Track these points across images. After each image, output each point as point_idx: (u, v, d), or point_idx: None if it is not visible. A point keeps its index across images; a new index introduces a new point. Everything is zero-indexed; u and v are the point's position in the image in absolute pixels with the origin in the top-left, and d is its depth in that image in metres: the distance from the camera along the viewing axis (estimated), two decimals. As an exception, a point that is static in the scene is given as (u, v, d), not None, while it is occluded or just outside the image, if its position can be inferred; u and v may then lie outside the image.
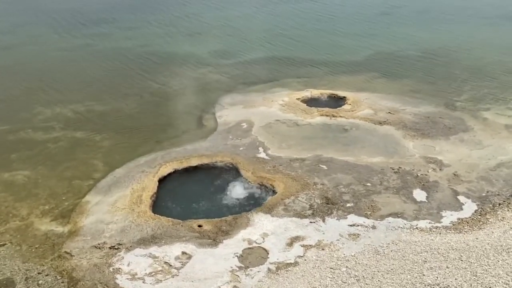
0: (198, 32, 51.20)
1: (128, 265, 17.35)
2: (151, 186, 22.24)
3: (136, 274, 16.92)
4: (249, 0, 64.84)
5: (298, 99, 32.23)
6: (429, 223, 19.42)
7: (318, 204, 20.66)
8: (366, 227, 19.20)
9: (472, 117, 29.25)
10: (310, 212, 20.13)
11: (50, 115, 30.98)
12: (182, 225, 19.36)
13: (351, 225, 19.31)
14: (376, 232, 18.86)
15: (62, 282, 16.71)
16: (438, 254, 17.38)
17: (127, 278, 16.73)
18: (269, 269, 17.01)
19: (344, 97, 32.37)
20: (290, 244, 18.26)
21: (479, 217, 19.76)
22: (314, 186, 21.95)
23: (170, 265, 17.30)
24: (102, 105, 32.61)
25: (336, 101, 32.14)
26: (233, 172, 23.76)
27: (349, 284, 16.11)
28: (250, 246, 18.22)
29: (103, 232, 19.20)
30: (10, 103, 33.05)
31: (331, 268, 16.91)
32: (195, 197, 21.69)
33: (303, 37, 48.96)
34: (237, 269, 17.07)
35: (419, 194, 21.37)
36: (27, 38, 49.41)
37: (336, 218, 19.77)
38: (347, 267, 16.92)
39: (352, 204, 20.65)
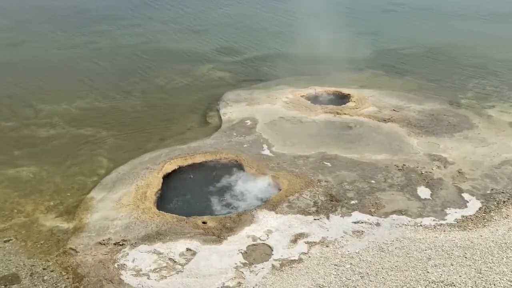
0: (202, 29, 51.22)
1: (133, 261, 17.40)
2: (156, 182, 22.29)
3: (140, 270, 16.97)
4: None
5: (302, 96, 32.24)
6: (434, 220, 19.41)
7: (322, 201, 20.67)
8: (370, 224, 19.20)
9: (477, 115, 29.20)
10: (314, 209, 20.14)
11: (54, 112, 31.06)
12: (186, 222, 19.40)
13: (355, 222, 19.31)
14: (380, 229, 18.86)
15: (67, 278, 16.76)
16: (442, 251, 17.38)
17: (132, 274, 16.78)
18: (273, 266, 17.04)
19: (348, 94, 32.36)
20: (294, 241, 18.28)
21: (483, 214, 19.73)
22: (318, 183, 21.96)
23: (175, 262, 17.34)
24: (106, 102, 32.68)
25: (340, 99, 32.14)
26: (237, 169, 23.75)
27: (353, 281, 16.12)
28: (254, 242, 18.25)
29: (108, 228, 19.25)
30: (14, 100, 33.13)
31: (335, 265, 16.92)
32: (200, 194, 21.71)
33: (307, 34, 48.82)
34: (241, 265, 17.10)
35: (424, 192, 21.35)
36: (30, 35, 49.50)
37: (340, 215, 19.78)
38: (351, 264, 16.94)
39: (356, 201, 20.65)
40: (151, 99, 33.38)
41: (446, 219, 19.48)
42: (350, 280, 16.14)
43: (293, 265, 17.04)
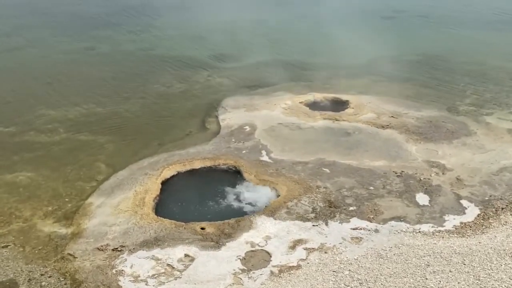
0: (201, 35, 51.32)
1: (131, 267, 17.36)
2: (154, 188, 22.26)
3: (139, 276, 16.93)
4: (252, 5, 64.96)
5: (301, 102, 32.28)
6: (432, 227, 19.41)
7: (321, 207, 20.66)
8: (369, 230, 19.19)
9: (475, 122, 29.27)
10: (313, 215, 20.13)
11: (53, 118, 31.04)
12: (185, 228, 19.38)
13: (353, 229, 19.30)
14: (379, 236, 18.86)
15: (65, 284, 16.72)
16: (441, 258, 17.37)
17: (130, 280, 16.74)
18: (271, 272, 17.01)
19: (347, 100, 32.39)
20: (293, 247, 18.26)
21: (482, 221, 19.74)
22: (317, 190, 21.96)
23: (173, 268, 17.31)
24: (105, 108, 32.67)
25: (339, 105, 32.16)
26: (236, 175, 23.76)
27: (351, 287, 16.10)
28: (253, 249, 18.23)
29: (106, 234, 19.21)
30: (13, 106, 33.12)
31: (334, 271, 16.90)
32: (198, 200, 21.69)
33: (306, 40, 49.05)
34: (240, 271, 17.07)
35: (422, 198, 21.36)
36: (30, 40, 49.57)
37: (339, 221, 19.77)
38: (350, 270, 16.92)
39: (354, 208, 20.64)
40: (150, 104, 33.40)
41: (444, 226, 19.49)
42: (348, 287, 16.12)
43: (292, 272, 17.01)
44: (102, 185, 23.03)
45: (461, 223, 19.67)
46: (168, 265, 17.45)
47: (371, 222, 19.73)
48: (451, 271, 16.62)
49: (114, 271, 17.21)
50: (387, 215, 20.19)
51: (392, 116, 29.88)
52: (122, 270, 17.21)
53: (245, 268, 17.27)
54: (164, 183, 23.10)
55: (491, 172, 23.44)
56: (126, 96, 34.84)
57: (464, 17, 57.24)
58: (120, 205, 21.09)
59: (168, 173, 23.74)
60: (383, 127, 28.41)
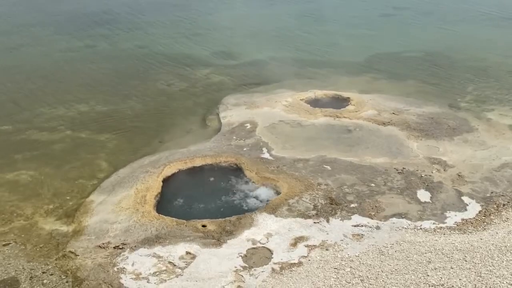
0: (200, 33, 51.25)
1: (133, 264, 17.37)
2: (155, 186, 22.26)
3: (140, 273, 16.94)
4: (252, 1, 64.89)
5: (301, 99, 32.24)
6: (433, 223, 19.40)
7: (322, 204, 20.66)
8: (370, 227, 19.18)
9: (476, 118, 29.25)
10: (314, 212, 20.13)
11: (54, 116, 31.06)
12: (186, 225, 19.39)
13: (355, 226, 19.30)
14: (380, 233, 18.85)
15: (67, 282, 16.74)
16: (442, 254, 17.36)
17: (132, 278, 16.75)
18: (273, 269, 17.01)
19: (348, 97, 32.34)
20: (294, 244, 18.26)
21: (483, 217, 19.73)
22: (318, 187, 21.95)
23: (174, 265, 17.32)
24: (106, 106, 32.68)
25: (340, 102, 32.11)
26: (237, 172, 23.75)
27: (353, 284, 16.10)
28: (254, 246, 18.23)
29: (107, 231, 19.22)
30: (14, 104, 33.11)
31: (335, 268, 16.90)
32: (199, 197, 21.70)
33: (307, 38, 48.97)
34: (241, 269, 17.07)
35: (423, 195, 21.35)
36: (30, 39, 49.52)
37: (340, 218, 19.76)
38: (351, 267, 16.92)
39: (356, 205, 20.64)
40: (150, 102, 33.39)
41: (446, 222, 19.48)
42: (350, 284, 16.12)
43: (293, 269, 17.01)
44: (103, 183, 23.05)
45: (463, 219, 19.67)
46: (169, 262, 17.45)
47: (372, 219, 19.72)
48: (452, 268, 16.62)
49: (115, 268, 17.22)
50: (388, 212, 20.18)
51: (393, 113, 29.85)
52: (124, 268, 17.22)
53: (246, 265, 17.27)
54: (165, 180, 23.10)
55: (493, 169, 23.42)
56: (127, 94, 34.83)
57: (464, 14, 57.09)
58: (121, 202, 21.10)
59: (169, 170, 23.74)
60: (384, 124, 28.38)
